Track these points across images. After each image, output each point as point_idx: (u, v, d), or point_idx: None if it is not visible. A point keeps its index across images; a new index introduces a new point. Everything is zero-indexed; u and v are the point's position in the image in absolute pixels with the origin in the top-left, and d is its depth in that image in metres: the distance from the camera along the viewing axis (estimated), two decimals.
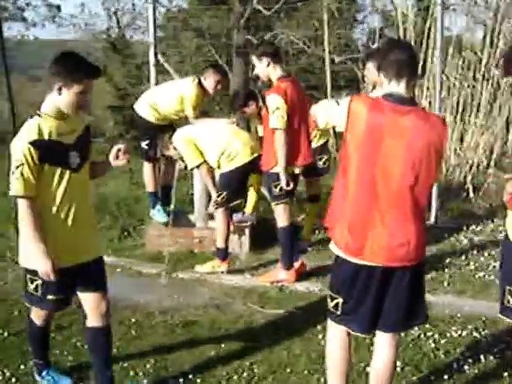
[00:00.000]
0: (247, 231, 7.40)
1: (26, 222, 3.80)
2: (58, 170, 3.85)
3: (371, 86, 6.33)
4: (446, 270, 6.96)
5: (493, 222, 8.55)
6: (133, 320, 5.70)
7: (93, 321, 4.24)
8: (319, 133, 7.26)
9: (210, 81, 7.26)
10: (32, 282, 4.05)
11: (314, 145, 7.13)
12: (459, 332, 5.43)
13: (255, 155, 6.70)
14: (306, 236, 7.62)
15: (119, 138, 14.34)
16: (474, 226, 8.40)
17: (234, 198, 6.81)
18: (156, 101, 7.34)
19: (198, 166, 6.80)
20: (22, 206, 3.79)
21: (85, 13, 13.29)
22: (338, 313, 3.87)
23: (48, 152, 3.78)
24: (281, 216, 6.47)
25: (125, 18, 14.56)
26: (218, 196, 6.70)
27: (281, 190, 6.26)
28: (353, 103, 3.62)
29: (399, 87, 3.63)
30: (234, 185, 6.75)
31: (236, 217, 7.51)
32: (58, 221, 3.92)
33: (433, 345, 5.21)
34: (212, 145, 6.70)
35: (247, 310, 5.98)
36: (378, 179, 3.59)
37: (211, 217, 7.31)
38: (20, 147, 3.73)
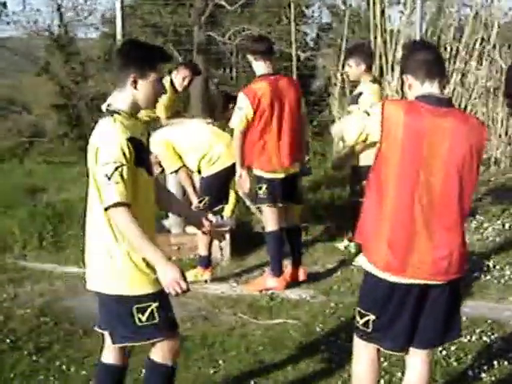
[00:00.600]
0: (228, 236, 7.03)
1: (132, 232, 3.20)
2: (145, 174, 3.37)
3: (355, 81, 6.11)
4: None
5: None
6: None
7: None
8: None
9: (178, 77, 6.93)
10: (143, 312, 3.40)
11: None
12: (468, 337, 5.17)
13: None
14: None
15: (63, 138, 13.92)
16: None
17: (216, 204, 6.46)
18: None
19: (176, 171, 6.39)
20: (123, 215, 3.19)
21: (27, 10, 12.74)
22: (369, 330, 3.59)
23: (139, 152, 3.30)
24: (268, 220, 6.17)
25: (68, 13, 14.19)
26: (200, 202, 6.33)
27: (264, 192, 6.02)
28: (386, 109, 3.36)
29: (433, 88, 3.40)
30: (216, 189, 6.40)
31: (214, 221, 7.12)
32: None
33: (444, 352, 4.92)
34: (192, 148, 6.33)
35: (238, 320, 5.65)
36: (421, 187, 3.33)
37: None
38: (116, 146, 3.20)
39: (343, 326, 5.44)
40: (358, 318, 3.65)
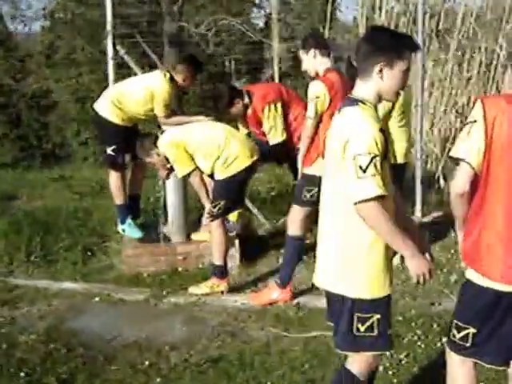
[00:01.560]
0: (236, 242, 6.54)
1: (386, 226, 3.01)
2: (386, 166, 3.08)
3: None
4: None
5: None
6: (146, 363, 4.75)
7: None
8: None
9: (179, 74, 6.34)
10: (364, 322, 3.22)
11: None
12: None
13: (254, 158, 5.86)
14: None
15: (3, 138, 13.22)
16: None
17: (232, 208, 5.95)
18: (121, 99, 6.33)
19: (188, 174, 5.84)
20: (377, 209, 2.97)
21: None
22: (468, 344, 3.29)
23: (386, 144, 3.05)
24: (296, 223, 5.66)
25: (5, 7, 13.42)
26: (214, 207, 5.79)
27: (314, 195, 5.39)
28: (487, 110, 3.06)
29: None
30: (232, 193, 5.85)
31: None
32: None
33: None
34: (205, 148, 5.77)
35: (270, 335, 5.17)
36: None
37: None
38: (370, 136, 2.96)
39: None
40: (454, 332, 3.36)
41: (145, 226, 6.77)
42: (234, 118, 6.44)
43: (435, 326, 5.19)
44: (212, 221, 5.83)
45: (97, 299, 5.94)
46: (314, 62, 5.53)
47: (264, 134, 6.42)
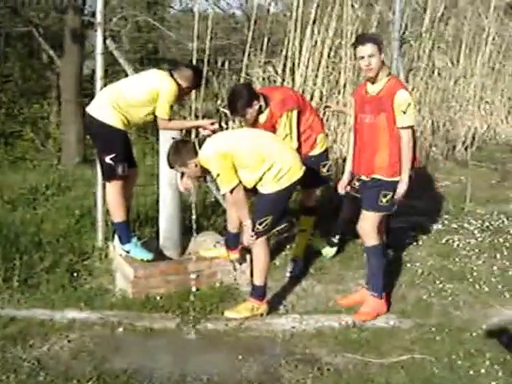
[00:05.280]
0: (248, 257, 6.05)
1: None
2: None
3: None
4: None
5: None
6: None
7: None
8: (323, 138, 6.21)
9: (182, 77, 5.75)
10: None
11: (318, 151, 6.16)
12: None
13: (304, 169, 5.43)
14: (299, 254, 6.47)
15: None
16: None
17: (279, 223, 5.46)
18: (121, 101, 5.59)
19: (232, 190, 5.28)
20: None
21: None
22: None
23: None
24: (376, 232, 5.38)
25: None
26: (261, 223, 5.28)
27: (389, 200, 5.27)
28: None
29: None
30: (281, 207, 5.39)
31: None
32: None
33: None
34: (255, 159, 5.23)
35: (349, 362, 4.81)
36: None
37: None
38: None
39: (483, 348, 4.95)
40: None
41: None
42: (247, 121, 5.91)
43: None
44: (257, 239, 5.33)
45: (120, 330, 5.22)
46: None
47: None
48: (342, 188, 5.66)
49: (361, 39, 5.28)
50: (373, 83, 5.30)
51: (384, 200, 5.29)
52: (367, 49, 5.13)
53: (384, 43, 8.49)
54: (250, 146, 5.27)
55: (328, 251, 6.71)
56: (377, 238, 5.41)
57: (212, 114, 9.10)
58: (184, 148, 5.29)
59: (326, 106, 8.15)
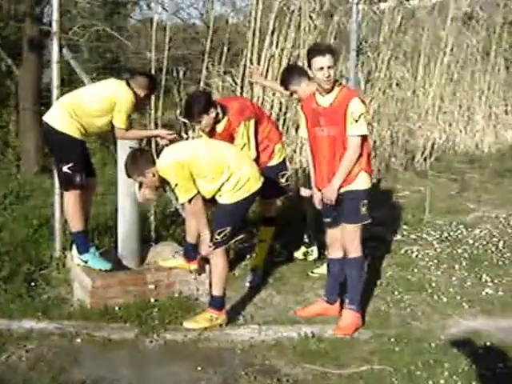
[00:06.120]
0: (207, 267, 6.00)
1: None
2: None
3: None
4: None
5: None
6: None
7: None
8: (281, 148, 6.24)
9: (138, 87, 5.75)
10: None
11: (276, 161, 6.21)
12: None
13: (262, 180, 5.44)
14: (259, 264, 6.47)
15: None
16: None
17: (237, 234, 5.46)
18: (78, 110, 5.57)
19: (190, 200, 5.27)
20: None
21: None
22: None
23: None
24: (357, 242, 5.36)
25: None
26: (219, 234, 5.27)
27: (367, 208, 5.28)
28: None
29: None
30: (239, 218, 5.39)
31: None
32: None
33: None
34: (214, 169, 5.22)
35: (309, 372, 4.80)
36: None
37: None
38: None
39: (442, 358, 4.96)
40: None
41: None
42: (204, 129, 5.91)
43: None
44: (215, 249, 5.32)
45: (78, 340, 5.16)
46: None
47: None
48: (318, 202, 5.49)
49: (319, 50, 5.17)
50: (323, 95, 5.23)
51: (363, 209, 5.27)
52: (326, 60, 5.06)
53: (343, 53, 8.62)
54: (209, 156, 5.26)
55: (315, 255, 6.85)
56: (359, 249, 5.39)
57: (172, 124, 9.08)
58: (141, 157, 5.27)
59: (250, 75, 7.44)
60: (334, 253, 5.57)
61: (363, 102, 5.26)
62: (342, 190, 5.25)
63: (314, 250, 6.85)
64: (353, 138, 5.13)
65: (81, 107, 5.58)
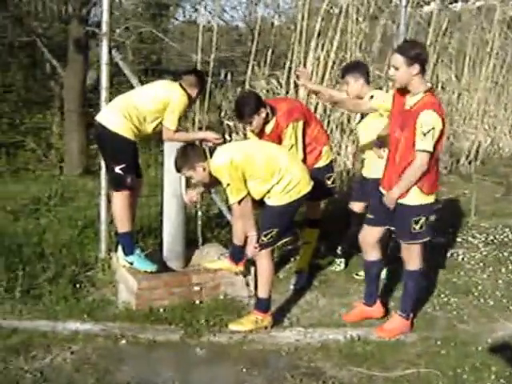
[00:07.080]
0: (252, 269, 6.00)
1: None
2: None
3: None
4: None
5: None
6: None
7: None
8: (328, 150, 6.20)
9: (190, 86, 5.76)
10: None
11: (323, 163, 6.17)
12: None
13: (312, 184, 5.40)
14: (304, 266, 6.43)
15: None
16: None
17: (284, 236, 5.41)
18: (132, 112, 5.58)
19: (240, 200, 5.25)
20: None
21: None
22: None
23: None
24: (415, 257, 5.24)
25: None
26: (266, 235, 5.24)
27: (421, 226, 5.05)
28: None
29: None
30: (287, 220, 5.35)
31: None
32: None
33: None
34: (266, 171, 5.20)
35: (356, 375, 4.76)
36: None
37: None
38: None
39: (489, 362, 4.90)
40: None
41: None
42: (254, 130, 5.88)
43: None
44: (261, 250, 5.29)
45: (123, 342, 5.16)
46: None
47: None
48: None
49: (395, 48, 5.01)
50: (411, 96, 4.96)
51: (417, 227, 5.08)
52: (392, 58, 4.91)
53: (388, 56, 8.52)
54: (262, 157, 5.24)
55: (341, 267, 6.83)
56: (418, 264, 5.26)
57: (215, 126, 9.08)
58: (192, 151, 5.29)
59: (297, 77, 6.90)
60: (367, 255, 5.51)
61: (440, 115, 4.86)
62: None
63: (342, 263, 6.79)
64: (418, 153, 4.84)
65: (135, 108, 5.59)
